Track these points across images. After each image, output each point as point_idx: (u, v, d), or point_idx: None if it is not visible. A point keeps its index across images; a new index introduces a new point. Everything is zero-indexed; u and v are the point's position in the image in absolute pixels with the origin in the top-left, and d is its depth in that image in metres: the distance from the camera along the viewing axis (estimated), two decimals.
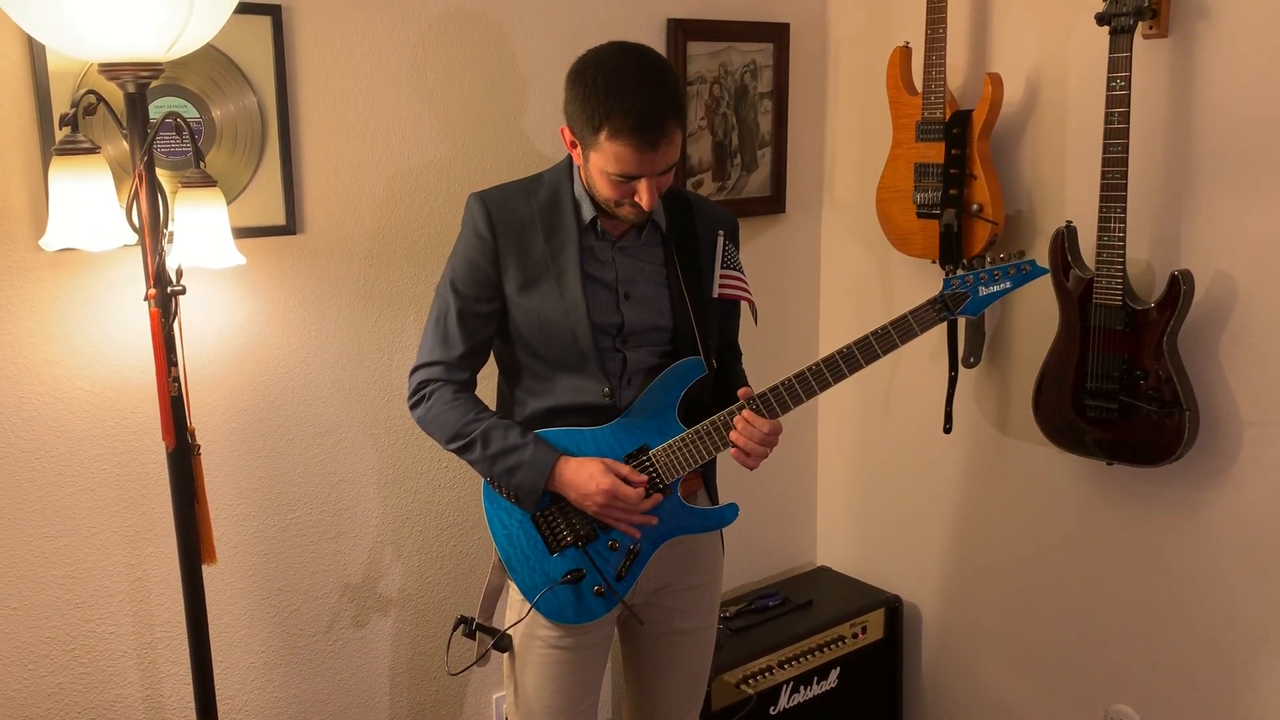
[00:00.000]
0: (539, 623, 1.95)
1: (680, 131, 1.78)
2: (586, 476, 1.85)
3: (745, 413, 1.86)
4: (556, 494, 1.90)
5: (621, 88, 1.72)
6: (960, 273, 1.87)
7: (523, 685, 1.99)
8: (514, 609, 1.99)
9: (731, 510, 1.97)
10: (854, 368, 1.85)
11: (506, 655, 2.02)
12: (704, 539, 2.04)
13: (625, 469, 1.87)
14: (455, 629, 2.01)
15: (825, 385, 1.86)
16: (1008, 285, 1.87)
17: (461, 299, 1.90)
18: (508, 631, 1.98)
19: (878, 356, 1.85)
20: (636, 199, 1.80)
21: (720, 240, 2.00)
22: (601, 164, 1.78)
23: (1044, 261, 2.42)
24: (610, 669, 2.75)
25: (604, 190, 1.82)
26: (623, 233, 1.93)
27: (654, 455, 1.90)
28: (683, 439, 1.89)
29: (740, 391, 1.88)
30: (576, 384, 1.90)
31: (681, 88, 1.76)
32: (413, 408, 1.94)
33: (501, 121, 2.51)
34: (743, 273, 2.02)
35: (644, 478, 1.88)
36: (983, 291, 1.87)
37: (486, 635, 2.01)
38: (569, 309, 1.87)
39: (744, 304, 2.06)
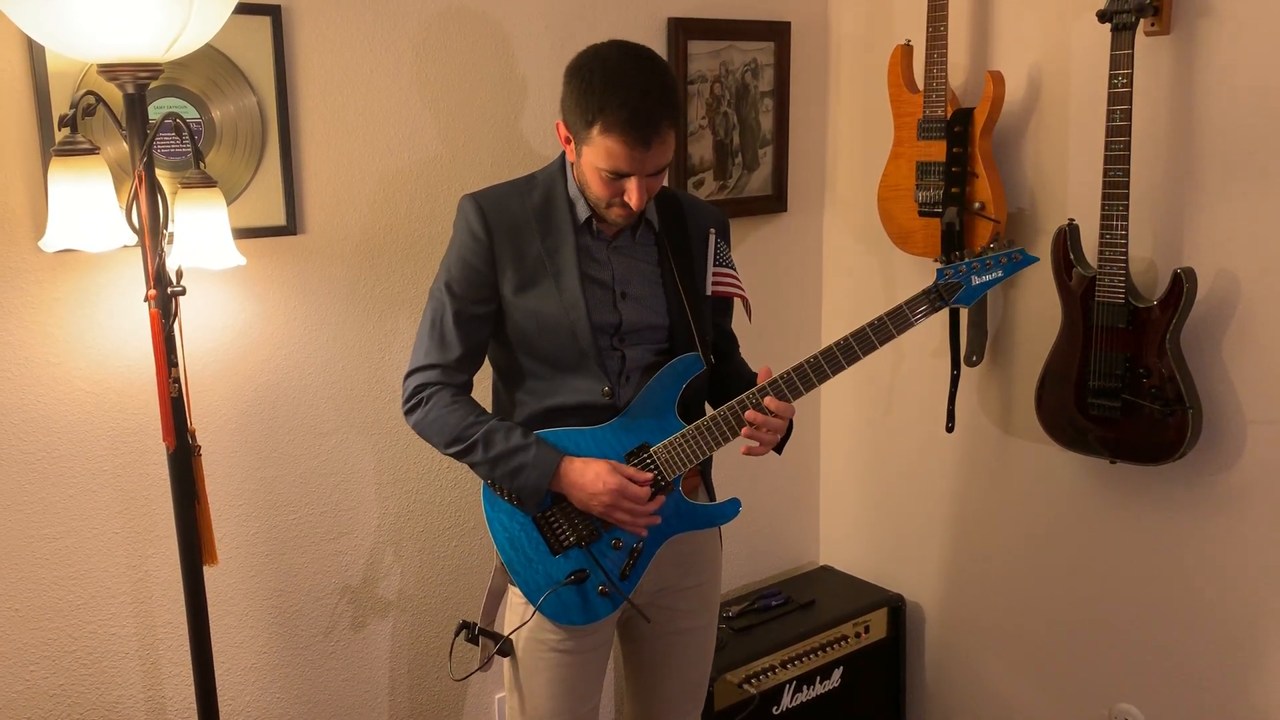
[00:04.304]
0: (541, 626, 1.94)
1: (674, 134, 1.78)
2: (593, 476, 1.84)
3: (767, 401, 1.85)
4: (558, 495, 1.89)
5: (618, 83, 1.72)
6: (953, 263, 1.89)
7: (525, 689, 1.98)
8: (515, 612, 1.98)
9: (734, 506, 1.96)
10: (851, 359, 1.86)
11: (508, 659, 2.01)
12: (703, 538, 2.04)
13: (630, 469, 1.87)
14: (457, 634, 2.00)
15: (824, 377, 1.86)
16: (999, 274, 1.89)
17: (457, 301, 1.89)
18: (510, 636, 1.97)
19: (874, 348, 1.86)
20: (625, 198, 1.79)
21: (712, 238, 2.00)
22: (593, 159, 1.77)
23: (1046, 258, 2.42)
24: (612, 670, 2.74)
25: (594, 188, 1.81)
26: (617, 232, 1.93)
27: (655, 453, 1.89)
28: (683, 435, 1.89)
29: (762, 371, 1.88)
30: (576, 384, 1.90)
31: (679, 91, 1.77)
32: (408, 412, 1.92)
33: (502, 121, 2.51)
34: (735, 269, 2.02)
35: (649, 476, 1.87)
36: (975, 281, 1.88)
37: (489, 640, 2.00)
38: (568, 308, 1.86)
39: (738, 301, 2.06)
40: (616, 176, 1.77)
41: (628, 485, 1.84)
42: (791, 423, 1.92)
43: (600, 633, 1.98)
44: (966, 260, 1.88)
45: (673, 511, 1.92)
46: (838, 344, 1.86)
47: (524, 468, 1.85)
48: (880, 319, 1.85)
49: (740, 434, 1.87)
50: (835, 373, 1.86)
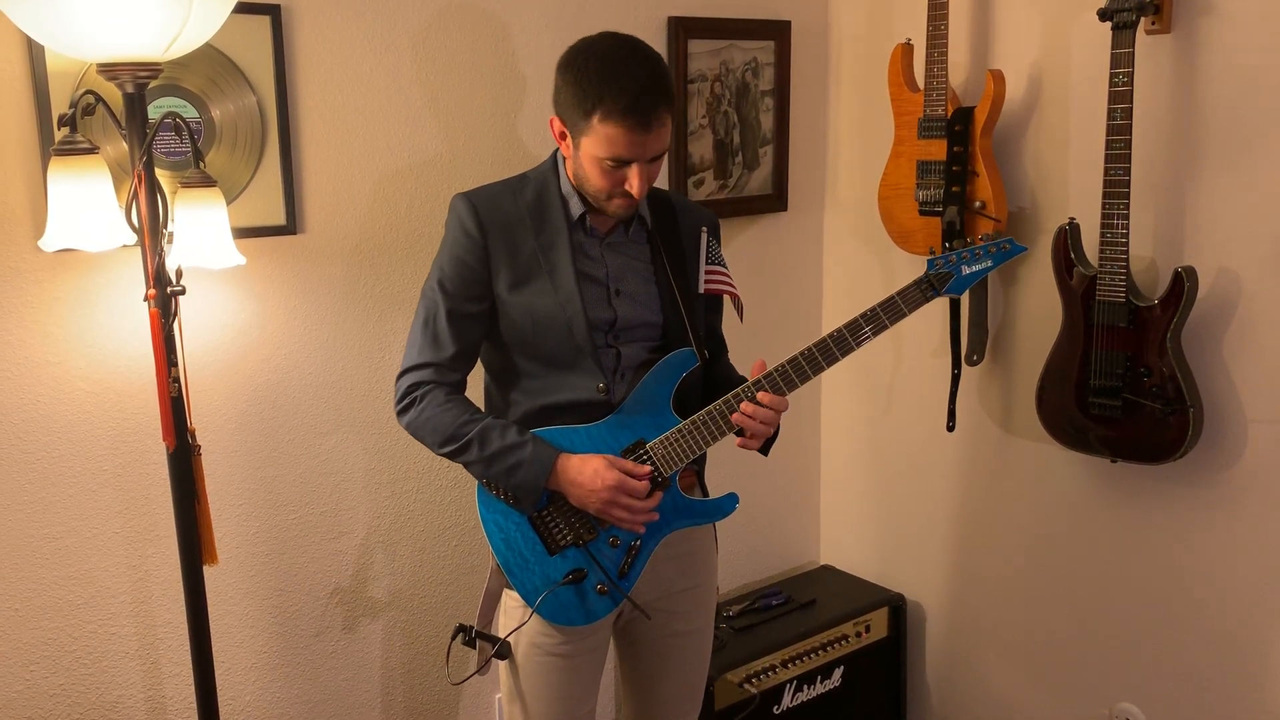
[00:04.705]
0: (538, 630, 1.93)
1: (670, 118, 1.80)
2: (590, 473, 1.83)
3: (760, 395, 1.85)
4: (553, 494, 1.88)
5: (615, 71, 1.74)
6: (943, 254, 1.91)
7: (520, 692, 1.97)
8: (511, 616, 1.96)
9: (731, 500, 1.95)
10: (845, 350, 1.86)
11: (505, 663, 1.99)
12: (699, 540, 2.03)
13: (628, 464, 1.85)
14: (454, 638, 1.98)
15: (818, 369, 1.86)
16: (989, 264, 1.90)
17: (451, 299, 1.88)
18: (506, 639, 1.96)
19: (868, 338, 1.86)
20: (627, 187, 1.79)
21: (704, 236, 2.00)
22: (593, 149, 1.77)
23: (1047, 258, 2.42)
24: (614, 672, 2.74)
25: (595, 180, 1.81)
26: (610, 229, 1.93)
27: (651, 449, 1.88)
28: (680, 430, 1.88)
29: (756, 364, 1.88)
30: (571, 381, 1.89)
31: (670, 75, 1.81)
32: (401, 413, 1.90)
33: (501, 120, 2.50)
34: (726, 268, 2.02)
35: (647, 469, 1.86)
36: (965, 270, 1.90)
37: (486, 643, 1.98)
38: (564, 304, 1.86)
39: (729, 300, 2.06)
40: (618, 165, 1.77)
41: (626, 481, 1.82)
42: (779, 425, 1.91)
43: (597, 635, 1.97)
44: (957, 250, 1.91)
45: (670, 507, 1.91)
46: (831, 335, 1.86)
47: (520, 465, 1.84)
48: (873, 309, 1.86)
49: (741, 425, 1.87)
50: (830, 364, 1.86)
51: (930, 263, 1.90)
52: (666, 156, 2.71)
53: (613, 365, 1.91)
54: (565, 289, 1.86)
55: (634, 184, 1.79)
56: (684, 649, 2.07)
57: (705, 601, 2.09)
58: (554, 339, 1.87)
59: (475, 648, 2.00)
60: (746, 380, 1.89)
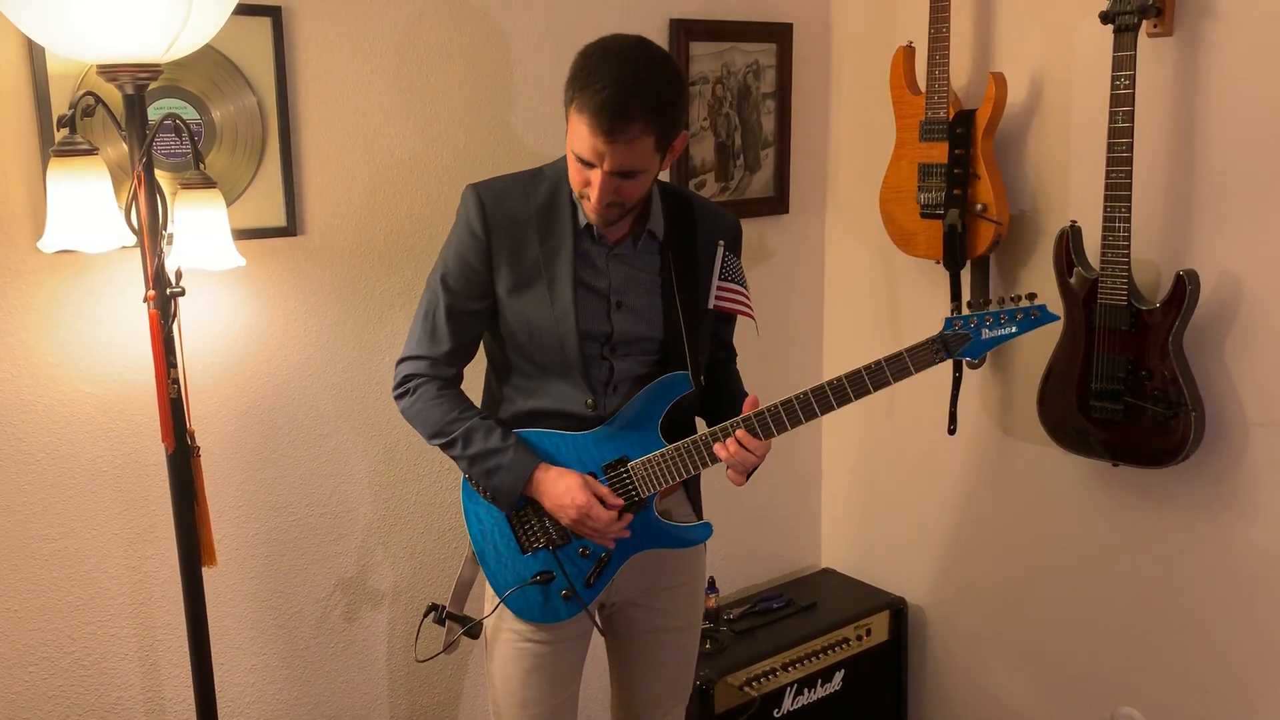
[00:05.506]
0: (512, 616, 1.95)
1: (651, 143, 1.69)
2: (563, 490, 1.84)
3: (740, 433, 1.83)
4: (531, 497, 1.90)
5: (606, 68, 1.67)
6: (964, 313, 1.81)
7: (498, 678, 2.00)
8: (489, 599, 1.99)
9: (704, 529, 1.97)
10: (843, 400, 1.81)
11: (486, 650, 2.02)
12: None
13: (603, 489, 1.86)
14: (425, 616, 2.02)
15: (811, 416, 1.83)
16: (1013, 330, 1.80)
17: (451, 295, 1.89)
18: (481, 621, 1.98)
19: (869, 391, 1.80)
20: (587, 190, 1.74)
21: (720, 251, 1.95)
22: (570, 139, 1.75)
23: (1048, 261, 2.42)
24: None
25: (571, 173, 1.78)
26: (619, 239, 1.89)
27: (632, 468, 1.88)
28: (663, 455, 1.87)
29: (748, 400, 1.86)
30: (561, 390, 1.89)
31: (671, 98, 1.70)
32: (398, 398, 1.93)
33: (502, 123, 2.50)
34: (744, 284, 1.97)
35: (619, 502, 1.86)
36: (985, 335, 1.81)
37: (456, 623, 2.01)
38: (559, 317, 1.85)
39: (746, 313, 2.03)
40: (583, 164, 1.73)
41: (595, 506, 1.83)
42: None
43: (574, 626, 1.98)
44: (979, 312, 1.81)
45: (643, 528, 1.92)
46: (830, 383, 1.81)
47: (499, 469, 1.85)
48: (877, 363, 1.80)
49: (720, 459, 1.86)
50: (824, 412, 1.82)
51: (948, 322, 1.81)
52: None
53: (605, 378, 1.90)
54: (562, 302, 1.84)
55: (592, 191, 1.73)
56: (669, 645, 2.08)
57: (690, 599, 2.09)
58: (547, 348, 1.87)
59: (446, 627, 2.02)
60: (745, 397, 1.88)
